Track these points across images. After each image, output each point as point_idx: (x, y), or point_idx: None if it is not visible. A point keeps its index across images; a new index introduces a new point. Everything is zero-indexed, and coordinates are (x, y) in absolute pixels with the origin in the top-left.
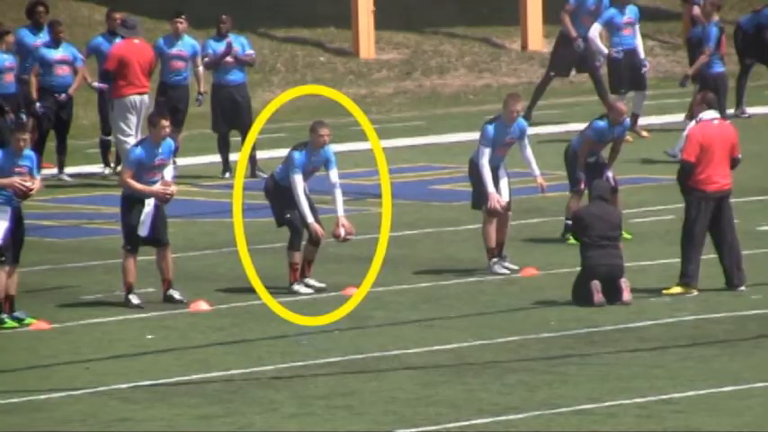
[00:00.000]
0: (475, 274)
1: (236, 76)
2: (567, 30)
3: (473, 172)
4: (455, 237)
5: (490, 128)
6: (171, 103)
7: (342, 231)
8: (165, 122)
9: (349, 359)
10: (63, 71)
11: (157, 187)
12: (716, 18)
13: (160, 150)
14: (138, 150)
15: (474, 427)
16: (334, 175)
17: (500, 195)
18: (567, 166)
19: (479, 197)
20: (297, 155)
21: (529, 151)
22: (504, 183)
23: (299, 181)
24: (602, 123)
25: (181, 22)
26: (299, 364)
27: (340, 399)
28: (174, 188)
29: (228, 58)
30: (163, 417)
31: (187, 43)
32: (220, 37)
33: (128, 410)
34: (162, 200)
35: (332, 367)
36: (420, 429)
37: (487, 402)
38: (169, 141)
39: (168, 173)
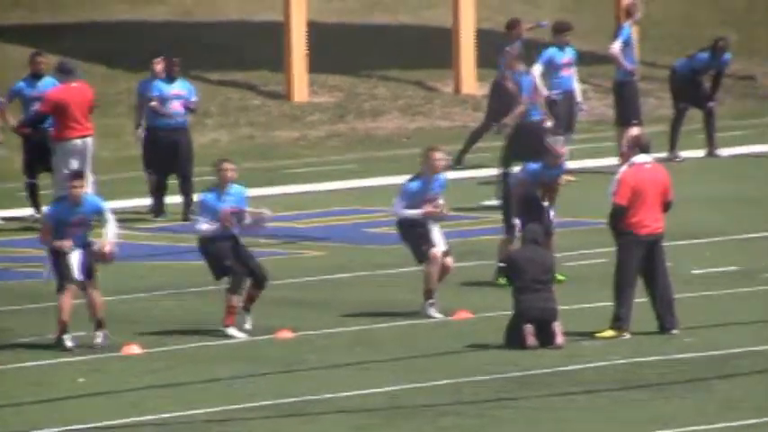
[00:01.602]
0: (408, 317)
1: (177, 119)
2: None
3: (401, 232)
4: (388, 280)
5: (412, 185)
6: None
7: None
8: (77, 182)
9: (282, 402)
10: None
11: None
12: (521, 67)
13: (79, 209)
14: (53, 208)
15: None
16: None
17: (435, 245)
18: (504, 208)
19: (418, 249)
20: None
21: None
22: (436, 231)
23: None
24: (535, 165)
25: (158, 63)
26: (232, 407)
27: None
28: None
29: (176, 104)
30: None
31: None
32: (170, 79)
33: None
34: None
35: (265, 410)
36: None
37: None
38: (92, 199)
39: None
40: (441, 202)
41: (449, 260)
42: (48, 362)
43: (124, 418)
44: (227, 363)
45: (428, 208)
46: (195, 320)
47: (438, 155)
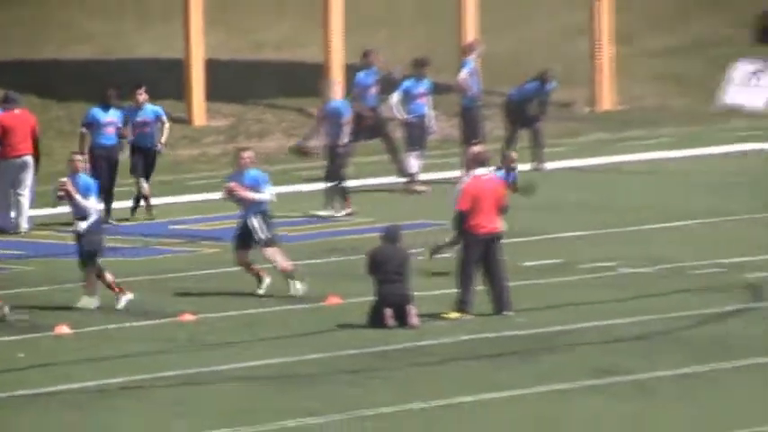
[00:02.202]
0: (288, 302)
1: (113, 141)
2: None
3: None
4: (272, 271)
5: (228, 180)
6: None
7: None
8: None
9: (184, 373)
10: None
11: None
12: (332, 95)
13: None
14: None
15: (289, 428)
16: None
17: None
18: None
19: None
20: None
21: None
22: (255, 221)
23: None
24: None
25: (141, 94)
26: (143, 377)
27: (179, 406)
28: None
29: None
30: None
31: (149, 111)
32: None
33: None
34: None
35: (170, 380)
36: (239, 428)
37: (302, 407)
38: None
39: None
40: (230, 185)
41: (269, 250)
42: None
43: (57, 386)
44: (141, 341)
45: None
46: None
47: (245, 154)
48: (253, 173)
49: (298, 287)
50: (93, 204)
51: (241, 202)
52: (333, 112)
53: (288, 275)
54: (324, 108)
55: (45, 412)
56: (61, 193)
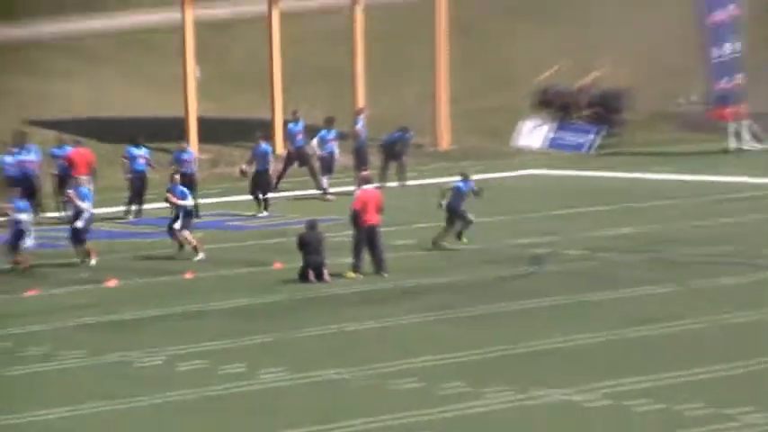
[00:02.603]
0: (253, 267)
1: (143, 168)
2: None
3: None
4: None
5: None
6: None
7: None
8: None
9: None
10: None
11: None
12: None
13: None
14: None
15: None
16: None
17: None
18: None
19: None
20: None
21: None
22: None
23: None
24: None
25: (184, 143)
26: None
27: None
28: None
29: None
30: None
31: (189, 152)
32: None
33: None
34: None
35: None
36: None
37: (260, 328)
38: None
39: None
40: (167, 195)
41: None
42: None
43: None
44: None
45: None
46: None
47: (176, 176)
48: (180, 188)
49: (200, 256)
50: (88, 207)
51: (174, 205)
52: (262, 152)
53: (194, 248)
54: (255, 148)
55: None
56: (66, 198)
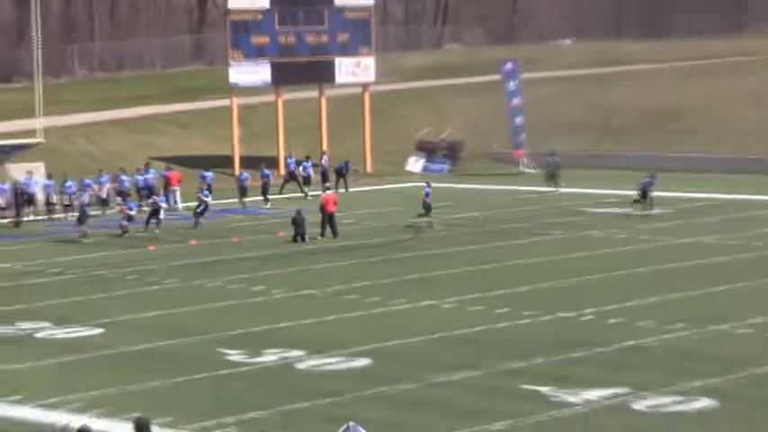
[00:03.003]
0: (262, 237)
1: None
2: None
3: None
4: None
5: None
6: None
7: None
8: None
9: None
10: None
11: None
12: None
13: None
14: None
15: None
16: None
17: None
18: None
19: None
20: None
21: None
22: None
23: None
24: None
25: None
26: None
27: None
28: None
29: None
30: None
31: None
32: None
33: None
34: None
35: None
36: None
37: (261, 278)
38: None
39: None
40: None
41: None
42: None
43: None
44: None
45: None
46: None
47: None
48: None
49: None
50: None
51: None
52: (265, 173)
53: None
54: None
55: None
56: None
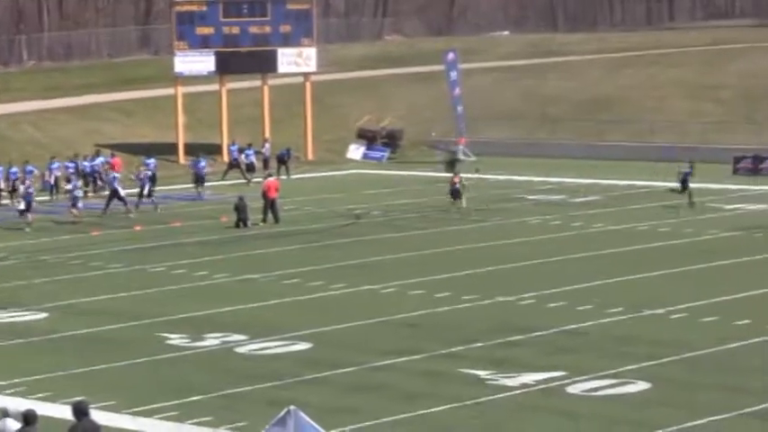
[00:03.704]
0: (207, 222)
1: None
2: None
3: None
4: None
5: None
6: None
7: None
8: None
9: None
10: None
11: None
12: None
13: None
14: None
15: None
16: None
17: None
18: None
19: None
20: None
21: None
22: None
23: None
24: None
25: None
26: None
27: None
28: None
29: None
30: None
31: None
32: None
33: None
34: None
35: None
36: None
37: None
38: None
39: None
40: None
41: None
42: None
43: None
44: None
45: None
46: None
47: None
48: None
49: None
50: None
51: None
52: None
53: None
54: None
55: None
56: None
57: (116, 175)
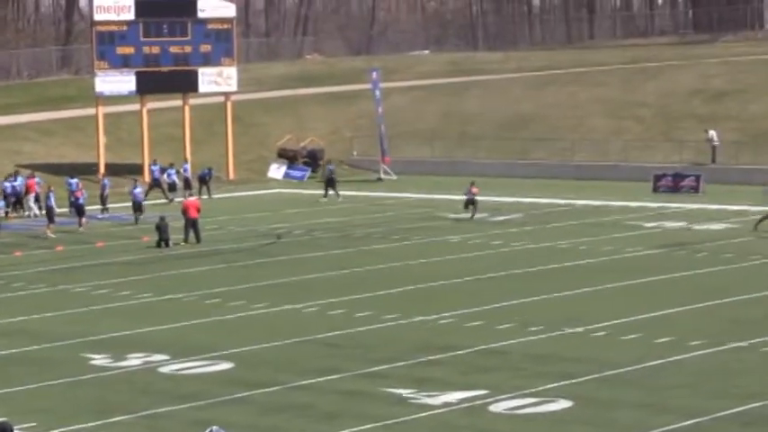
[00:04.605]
0: (132, 241)
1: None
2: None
3: None
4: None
5: None
6: None
7: None
8: None
9: None
10: None
11: None
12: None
13: None
14: None
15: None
16: None
17: None
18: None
19: None
20: None
21: None
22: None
23: None
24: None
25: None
26: None
27: None
28: None
29: None
30: None
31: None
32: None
33: None
34: None
35: None
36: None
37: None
38: None
39: None
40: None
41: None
42: None
43: None
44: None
45: None
46: None
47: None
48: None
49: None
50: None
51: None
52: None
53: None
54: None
55: None
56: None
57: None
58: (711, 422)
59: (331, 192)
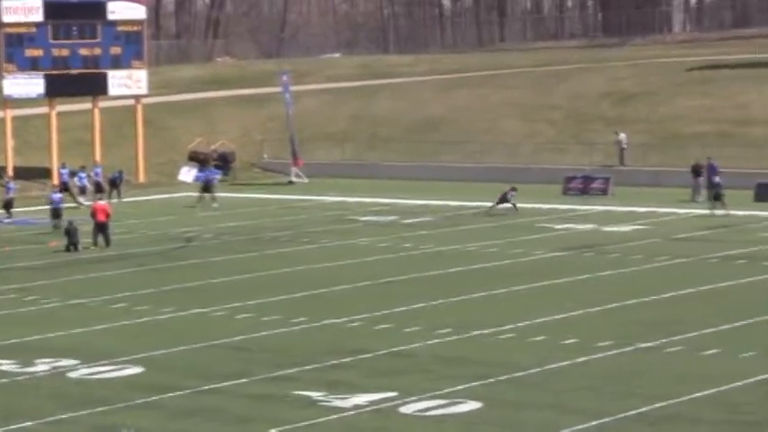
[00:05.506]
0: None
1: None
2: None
3: None
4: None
5: None
6: None
7: None
8: None
9: None
10: None
11: None
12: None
13: None
14: None
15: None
16: None
17: None
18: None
19: None
20: None
21: None
22: None
23: None
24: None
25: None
26: None
27: None
28: None
29: None
30: None
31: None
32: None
33: None
34: None
35: None
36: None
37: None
38: None
39: None
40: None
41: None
42: None
43: None
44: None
45: None
46: None
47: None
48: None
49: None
50: None
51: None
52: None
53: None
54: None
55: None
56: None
57: None
58: (617, 422)
59: (207, 195)
